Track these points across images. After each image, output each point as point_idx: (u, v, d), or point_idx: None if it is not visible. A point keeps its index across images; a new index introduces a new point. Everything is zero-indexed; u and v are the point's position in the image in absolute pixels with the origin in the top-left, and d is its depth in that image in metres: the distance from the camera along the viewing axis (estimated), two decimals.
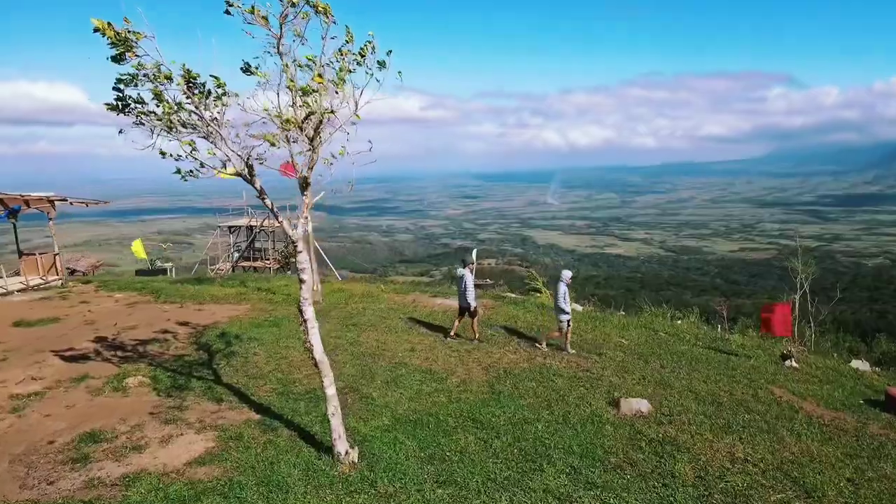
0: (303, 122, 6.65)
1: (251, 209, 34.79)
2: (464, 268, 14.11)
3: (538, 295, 23.93)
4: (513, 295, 22.59)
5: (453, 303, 18.71)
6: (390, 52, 7.61)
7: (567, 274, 13.61)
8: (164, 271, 29.51)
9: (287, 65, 6.46)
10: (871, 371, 16.47)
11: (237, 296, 17.85)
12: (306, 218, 7.44)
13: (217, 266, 34.72)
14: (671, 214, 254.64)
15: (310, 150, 6.99)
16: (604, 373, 12.13)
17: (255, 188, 7.02)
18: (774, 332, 15.67)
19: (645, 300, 27.97)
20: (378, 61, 7.71)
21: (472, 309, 13.89)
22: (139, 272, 29.43)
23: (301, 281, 7.48)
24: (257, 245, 35.96)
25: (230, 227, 35.08)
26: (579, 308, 19.74)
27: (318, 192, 21.54)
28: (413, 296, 19.51)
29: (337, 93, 6.67)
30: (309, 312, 7.55)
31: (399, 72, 7.46)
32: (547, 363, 12.42)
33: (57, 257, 22.20)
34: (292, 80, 6.41)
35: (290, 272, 34.93)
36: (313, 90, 6.40)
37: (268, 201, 7.13)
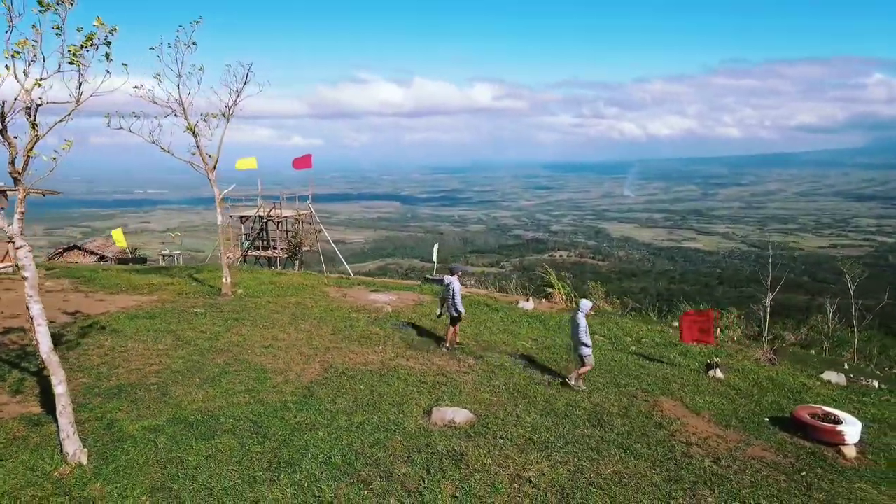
0: None
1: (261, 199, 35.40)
2: (451, 275, 13.65)
3: (550, 291, 22.77)
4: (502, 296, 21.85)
5: (387, 298, 18.22)
6: (109, 43, 7.40)
7: (586, 305, 12.04)
8: (143, 260, 30.38)
9: None
10: (846, 385, 14.88)
11: (158, 286, 18.03)
12: (22, 213, 7.32)
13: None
14: (756, 208, 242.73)
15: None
16: (464, 378, 11.47)
17: None
18: (684, 338, 14.67)
19: (692, 299, 26.25)
20: (106, 53, 7.50)
21: (460, 317, 13.57)
22: (120, 260, 30.57)
23: (24, 278, 7.41)
24: (263, 235, 36.60)
25: (241, 217, 35.79)
26: (529, 306, 18.88)
27: (229, 185, 20.82)
28: (352, 290, 19.18)
29: None
30: (35, 309, 7.46)
31: (147, 72, 7.21)
32: (406, 365, 11.85)
33: (10, 245, 22.73)
34: None
35: (297, 263, 35.36)
36: None
37: None
